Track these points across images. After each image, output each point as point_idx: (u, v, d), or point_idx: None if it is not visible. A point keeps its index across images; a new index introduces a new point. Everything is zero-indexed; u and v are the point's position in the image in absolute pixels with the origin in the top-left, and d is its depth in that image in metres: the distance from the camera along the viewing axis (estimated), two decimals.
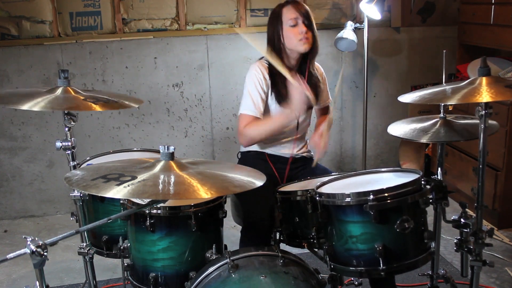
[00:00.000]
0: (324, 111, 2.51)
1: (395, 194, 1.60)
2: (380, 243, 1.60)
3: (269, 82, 2.26)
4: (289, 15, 2.23)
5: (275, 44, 2.26)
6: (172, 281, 1.76)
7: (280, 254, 1.56)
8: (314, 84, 2.33)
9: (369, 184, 1.80)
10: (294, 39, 2.22)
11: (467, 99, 1.58)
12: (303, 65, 2.33)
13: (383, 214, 1.59)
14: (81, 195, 1.91)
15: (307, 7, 2.28)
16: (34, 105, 1.63)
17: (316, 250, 2.06)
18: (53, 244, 1.28)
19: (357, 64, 3.83)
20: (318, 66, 2.44)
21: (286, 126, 2.22)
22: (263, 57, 2.34)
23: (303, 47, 2.23)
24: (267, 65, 2.28)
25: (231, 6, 3.59)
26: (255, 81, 2.24)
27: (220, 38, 3.61)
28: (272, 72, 2.25)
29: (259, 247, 1.64)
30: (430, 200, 1.68)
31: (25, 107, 1.62)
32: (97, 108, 1.71)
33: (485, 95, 1.55)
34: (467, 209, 1.78)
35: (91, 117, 3.59)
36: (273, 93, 2.26)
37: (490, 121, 1.67)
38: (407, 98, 1.77)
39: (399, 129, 2.02)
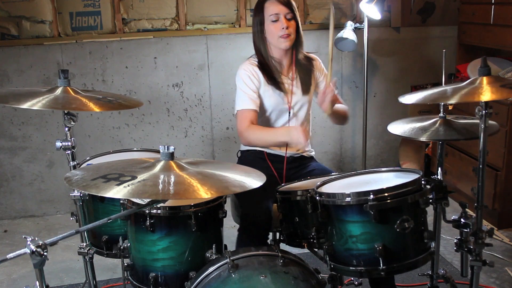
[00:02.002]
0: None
1: (395, 194, 1.60)
2: (380, 243, 1.60)
3: (259, 77, 2.29)
4: (270, 10, 2.23)
5: (259, 37, 2.28)
6: (172, 281, 1.76)
7: (280, 254, 1.56)
8: (302, 74, 2.34)
9: (369, 184, 1.80)
10: (276, 35, 2.23)
11: (469, 97, 1.58)
12: (291, 56, 2.33)
13: (383, 214, 1.59)
14: (81, 195, 1.91)
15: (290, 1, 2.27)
16: (34, 104, 1.63)
17: (316, 250, 2.05)
18: (53, 244, 1.28)
19: (357, 64, 3.83)
20: (316, 58, 2.43)
21: (284, 143, 2.24)
22: (252, 56, 2.37)
23: (283, 44, 2.24)
24: (256, 62, 2.31)
25: (231, 6, 3.59)
26: (244, 79, 2.28)
27: (220, 38, 3.61)
28: (263, 67, 2.29)
29: (259, 247, 1.64)
30: (430, 200, 1.68)
31: (25, 106, 1.62)
32: (97, 108, 1.71)
33: (486, 94, 1.55)
34: (467, 209, 1.78)
35: (91, 117, 3.59)
36: (266, 84, 2.28)
37: (490, 122, 1.67)
38: (408, 99, 1.77)
39: (399, 128, 2.03)
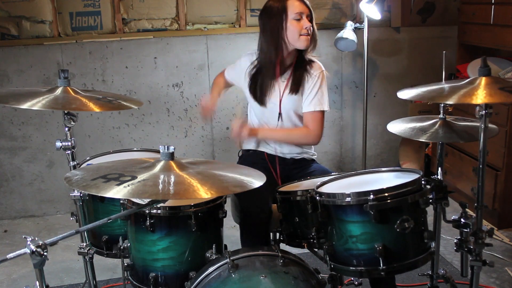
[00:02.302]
0: (309, 117, 2.28)
1: (395, 194, 1.60)
2: (380, 243, 1.60)
3: (250, 67, 2.36)
4: (295, 8, 2.22)
5: (273, 37, 2.24)
6: (172, 281, 1.76)
7: (280, 254, 1.56)
8: (297, 78, 2.29)
9: (369, 184, 1.80)
10: (296, 33, 2.22)
11: (466, 99, 1.58)
12: (298, 58, 2.32)
13: (383, 214, 1.59)
14: (81, 195, 1.91)
15: (308, 2, 2.28)
16: (33, 104, 1.63)
17: (316, 250, 2.05)
18: (53, 244, 1.28)
19: (357, 64, 3.84)
20: (319, 66, 2.33)
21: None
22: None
23: (303, 44, 2.23)
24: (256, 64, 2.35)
25: (231, 6, 3.59)
26: (244, 57, 2.43)
27: (220, 38, 3.61)
28: (258, 68, 2.33)
29: (259, 247, 1.64)
30: (430, 200, 1.68)
31: (25, 106, 1.62)
32: (97, 108, 1.71)
33: (484, 96, 1.55)
34: (467, 209, 1.78)
35: (91, 117, 3.59)
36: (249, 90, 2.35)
37: (490, 125, 1.67)
38: (406, 94, 1.78)
39: (398, 127, 2.02)
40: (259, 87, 2.32)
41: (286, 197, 1.97)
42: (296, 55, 2.31)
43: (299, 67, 2.31)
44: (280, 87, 2.31)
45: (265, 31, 2.27)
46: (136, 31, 3.52)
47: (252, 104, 2.38)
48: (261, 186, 1.46)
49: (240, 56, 2.47)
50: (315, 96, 2.27)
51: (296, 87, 2.29)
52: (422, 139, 1.95)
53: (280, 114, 2.31)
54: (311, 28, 2.24)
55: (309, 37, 2.24)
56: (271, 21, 2.24)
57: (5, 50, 3.41)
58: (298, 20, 2.21)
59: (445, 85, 1.73)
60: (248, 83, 2.35)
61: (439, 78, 2.06)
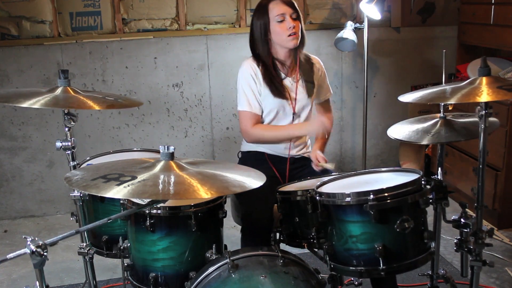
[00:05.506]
0: (325, 106, 2.50)
1: (395, 194, 1.60)
2: (380, 243, 1.60)
3: (260, 77, 2.26)
4: (276, 10, 2.22)
5: (263, 40, 2.26)
6: (172, 281, 1.76)
7: (280, 254, 1.56)
8: (305, 76, 2.33)
9: (369, 184, 1.80)
10: (283, 35, 2.21)
11: (465, 98, 1.58)
12: (294, 57, 2.33)
13: (383, 214, 1.59)
14: (81, 195, 1.91)
15: (293, 1, 2.27)
16: (34, 103, 1.63)
17: (316, 250, 2.05)
18: (53, 244, 1.29)
19: (357, 64, 3.84)
20: (318, 61, 2.43)
21: (294, 138, 2.32)
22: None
23: (292, 43, 2.23)
24: (258, 63, 2.30)
25: (231, 6, 3.59)
26: (247, 78, 2.27)
27: (220, 38, 3.61)
28: (266, 67, 2.27)
29: (259, 247, 1.64)
30: (430, 200, 1.69)
31: (25, 104, 1.62)
32: (97, 106, 1.72)
33: (483, 95, 1.56)
34: (467, 209, 1.78)
35: (91, 117, 3.59)
36: (267, 87, 2.26)
37: (490, 119, 1.67)
38: (407, 98, 1.78)
39: (399, 130, 2.02)
40: (274, 83, 2.27)
41: (286, 197, 1.97)
42: (293, 54, 2.31)
43: (305, 70, 2.34)
44: (291, 88, 2.31)
45: (255, 32, 2.29)
46: (136, 31, 3.53)
47: (268, 94, 2.28)
48: (263, 189, 1.46)
49: (243, 80, 2.28)
50: (327, 83, 2.46)
51: (311, 89, 2.33)
52: (425, 142, 1.94)
53: (294, 114, 2.32)
54: (297, 27, 2.22)
55: (296, 35, 2.22)
56: (257, 23, 2.27)
57: (5, 50, 3.41)
58: (281, 21, 2.21)
59: (446, 87, 1.73)
60: (267, 83, 2.27)
61: (439, 78, 2.06)
